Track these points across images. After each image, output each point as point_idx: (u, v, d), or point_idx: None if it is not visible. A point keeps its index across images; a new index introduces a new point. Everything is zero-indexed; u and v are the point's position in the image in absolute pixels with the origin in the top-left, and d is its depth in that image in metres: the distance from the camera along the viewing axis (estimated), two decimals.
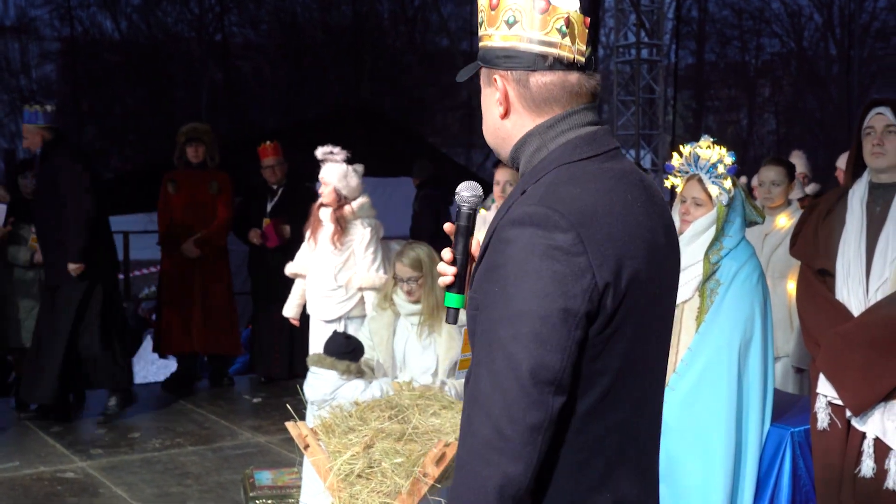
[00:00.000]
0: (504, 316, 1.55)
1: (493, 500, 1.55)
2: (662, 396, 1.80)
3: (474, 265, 1.77)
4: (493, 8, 1.71)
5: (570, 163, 1.68)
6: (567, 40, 1.69)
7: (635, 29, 12.50)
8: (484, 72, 1.77)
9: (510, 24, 1.70)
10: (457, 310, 1.87)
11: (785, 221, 4.98)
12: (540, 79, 1.70)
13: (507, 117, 1.75)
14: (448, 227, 1.88)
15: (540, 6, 1.67)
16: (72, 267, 6.05)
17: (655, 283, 1.67)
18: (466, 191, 1.85)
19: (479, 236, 1.89)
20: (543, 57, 1.69)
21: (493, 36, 1.72)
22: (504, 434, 1.53)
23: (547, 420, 1.55)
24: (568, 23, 1.68)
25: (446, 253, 1.85)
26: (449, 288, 1.86)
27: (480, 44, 1.76)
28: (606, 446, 1.65)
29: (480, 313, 1.61)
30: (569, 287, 1.54)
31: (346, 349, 3.95)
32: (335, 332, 4.24)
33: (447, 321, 1.89)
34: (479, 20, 1.74)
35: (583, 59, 1.71)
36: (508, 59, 1.71)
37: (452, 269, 1.83)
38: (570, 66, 1.70)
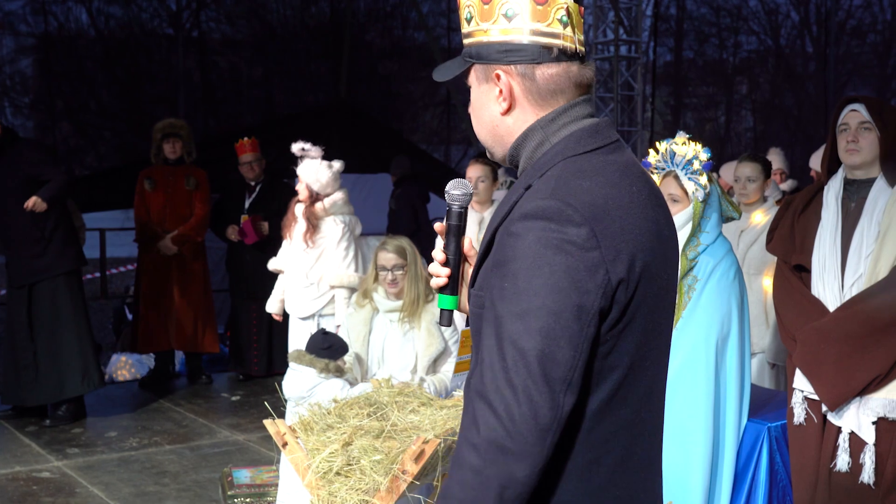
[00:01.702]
0: (515, 311, 1.51)
1: (491, 502, 1.51)
2: (665, 390, 1.76)
3: (474, 263, 1.73)
4: (485, 2, 1.67)
5: (575, 155, 1.65)
6: (569, 30, 1.67)
7: (614, 26, 12.53)
8: (479, 68, 1.71)
9: (509, 18, 1.66)
10: (451, 311, 1.83)
11: (761, 218, 5.01)
12: (546, 71, 1.67)
13: (508, 113, 1.71)
14: (439, 226, 1.82)
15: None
16: (33, 199, 5.81)
17: (663, 275, 1.66)
18: (456, 189, 1.80)
19: (469, 234, 1.87)
20: (548, 49, 1.66)
21: (488, 31, 1.68)
22: (511, 433, 1.49)
23: (557, 420, 1.50)
24: (568, 13, 1.66)
25: (438, 253, 1.80)
26: (442, 290, 1.81)
27: (470, 40, 1.72)
28: (616, 444, 1.62)
29: (487, 310, 1.57)
30: (582, 282, 1.51)
31: (323, 346, 3.94)
32: (317, 330, 4.23)
33: (441, 323, 1.86)
34: (466, 16, 1.70)
35: (583, 49, 1.70)
36: (510, 54, 1.67)
37: (446, 270, 1.80)
38: (572, 56, 1.68)
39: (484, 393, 1.52)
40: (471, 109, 1.77)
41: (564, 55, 1.66)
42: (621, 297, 1.55)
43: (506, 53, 1.67)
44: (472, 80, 1.73)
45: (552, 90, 1.68)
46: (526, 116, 1.70)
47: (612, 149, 1.68)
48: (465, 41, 1.73)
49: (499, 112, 1.71)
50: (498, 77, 1.69)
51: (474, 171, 5.69)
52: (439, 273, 1.80)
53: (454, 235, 1.80)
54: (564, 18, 1.66)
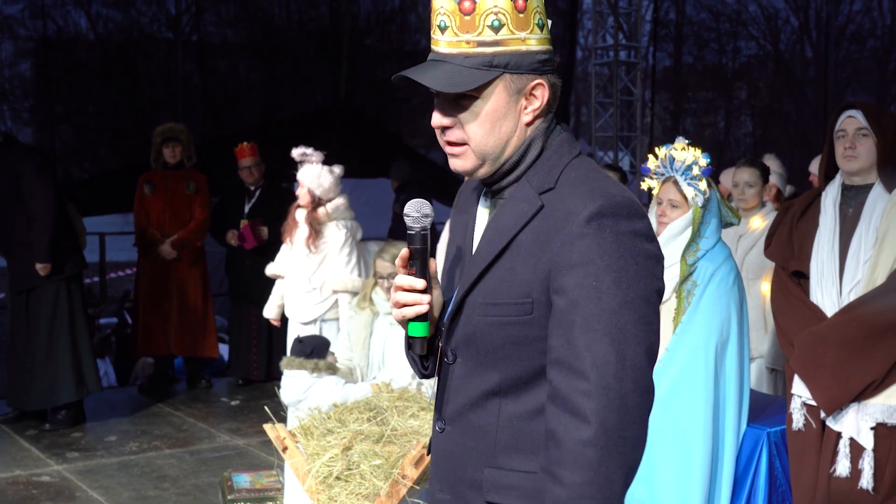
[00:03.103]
0: (615, 305, 1.56)
1: (619, 493, 1.56)
2: None
3: (475, 272, 1.70)
4: (520, 10, 1.63)
5: (574, 159, 1.71)
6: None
7: (613, 31, 12.55)
8: (512, 78, 1.66)
9: (541, 28, 1.67)
10: (423, 339, 1.76)
11: (759, 223, 5.02)
12: (555, 79, 1.72)
13: (532, 123, 1.71)
14: (404, 252, 1.74)
15: (545, 9, 1.70)
16: (39, 266, 5.96)
17: None
18: (415, 211, 1.72)
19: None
20: (554, 58, 1.71)
21: (528, 40, 1.65)
22: (626, 421, 1.55)
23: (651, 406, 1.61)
24: None
25: (416, 282, 1.72)
26: (414, 318, 1.74)
27: (499, 49, 1.64)
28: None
29: (570, 311, 1.57)
30: (656, 270, 1.63)
31: (306, 349, 3.97)
32: (294, 339, 4.26)
33: (415, 352, 1.79)
34: (494, 23, 1.63)
35: None
36: (546, 63, 1.68)
37: (427, 297, 1.73)
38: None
39: (585, 390, 1.54)
40: (471, 120, 1.67)
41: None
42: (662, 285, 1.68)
43: (544, 63, 1.68)
44: (495, 90, 1.66)
45: (557, 97, 1.73)
46: (537, 125, 1.72)
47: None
48: (489, 49, 1.64)
49: (525, 121, 1.70)
50: (536, 87, 1.68)
51: None
52: (420, 301, 1.72)
53: (419, 259, 1.72)
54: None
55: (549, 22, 1.70)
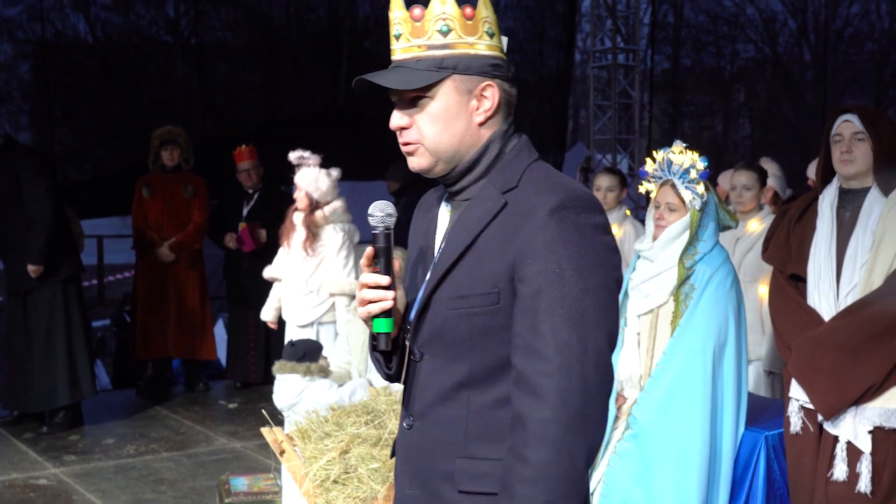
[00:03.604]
0: (577, 291, 1.65)
1: (582, 469, 1.61)
2: None
3: (441, 269, 1.78)
4: (468, 18, 1.77)
5: (535, 161, 1.82)
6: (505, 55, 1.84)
7: (611, 34, 12.55)
8: (460, 79, 1.78)
9: (490, 35, 1.79)
10: (388, 335, 1.83)
11: (756, 226, 5.02)
12: (510, 87, 1.82)
13: (485, 124, 1.81)
14: (369, 251, 1.85)
15: (497, 22, 1.81)
16: (31, 268, 5.96)
17: None
18: (379, 211, 1.84)
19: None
20: (509, 67, 1.82)
21: (475, 44, 1.77)
22: (588, 402, 1.62)
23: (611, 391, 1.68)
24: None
25: (381, 278, 1.81)
26: (379, 313, 1.82)
27: (449, 52, 1.77)
28: None
29: (531, 298, 1.66)
30: (614, 260, 1.71)
31: (298, 352, 3.97)
32: (286, 344, 4.27)
33: (380, 348, 1.84)
34: (442, 28, 1.76)
35: None
36: (497, 68, 1.80)
37: (391, 293, 1.82)
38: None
39: (548, 371, 1.62)
40: (423, 119, 1.79)
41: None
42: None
43: (494, 67, 1.79)
44: (445, 90, 1.78)
45: (512, 104, 1.83)
46: (493, 127, 1.82)
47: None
48: (438, 52, 1.77)
49: (477, 122, 1.80)
50: (486, 89, 1.79)
51: None
52: (384, 297, 1.81)
53: (384, 258, 1.82)
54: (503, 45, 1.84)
55: (505, 39, 1.82)
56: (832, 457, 3.36)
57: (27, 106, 9.75)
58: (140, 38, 9.00)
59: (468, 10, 1.76)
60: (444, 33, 1.76)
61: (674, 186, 3.66)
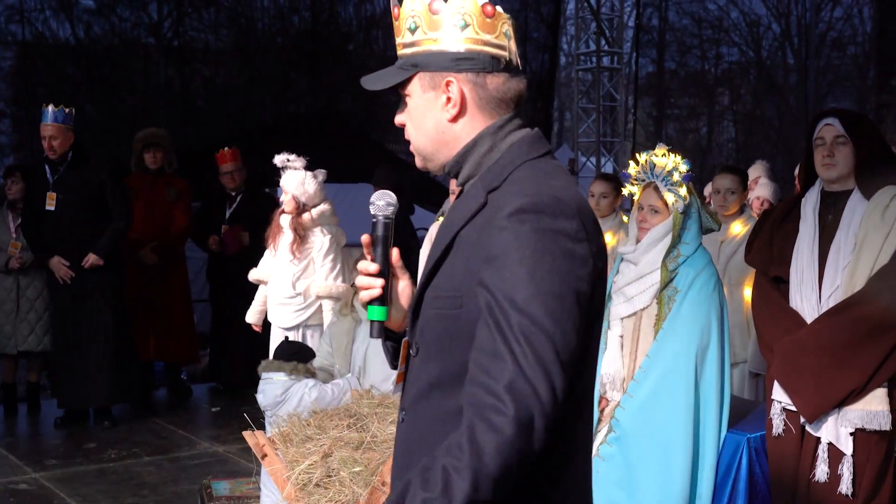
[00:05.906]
0: (524, 297, 1.53)
1: (516, 471, 1.50)
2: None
3: (430, 266, 1.75)
4: (434, 13, 1.72)
5: (533, 159, 1.73)
6: (512, 44, 1.75)
7: (595, 37, 12.57)
8: (425, 76, 1.75)
9: (462, 28, 1.72)
10: (381, 323, 1.84)
11: (740, 229, 5.05)
12: (495, 80, 1.74)
13: (456, 120, 1.76)
14: (365, 238, 1.85)
15: (487, 10, 1.72)
16: (93, 258, 6.17)
17: (605, 277, 1.73)
18: (381, 200, 1.84)
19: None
20: (497, 59, 1.73)
21: (438, 40, 1.73)
22: (539, 411, 1.49)
23: (564, 400, 1.53)
24: (511, 27, 1.75)
25: (370, 265, 1.82)
26: (372, 301, 1.82)
27: (415, 49, 1.75)
28: (567, 433, 1.66)
29: (483, 302, 1.57)
30: (578, 270, 1.58)
31: (289, 353, 3.96)
32: (282, 339, 4.24)
33: (372, 336, 1.86)
34: (411, 25, 1.74)
35: (521, 63, 1.79)
36: (462, 62, 1.73)
37: (380, 282, 1.81)
38: (515, 69, 1.76)
39: (498, 378, 1.51)
40: (407, 118, 1.80)
41: (509, 67, 1.75)
42: (599, 291, 1.64)
43: (458, 62, 1.73)
44: (414, 88, 1.76)
45: (500, 99, 1.75)
46: (475, 123, 1.76)
47: (552, 155, 1.79)
48: (408, 50, 1.76)
49: (446, 119, 1.76)
50: (448, 84, 1.73)
51: None
52: (373, 284, 1.81)
53: (381, 246, 1.82)
54: (508, 32, 1.74)
55: (504, 26, 1.75)
56: (814, 459, 3.37)
57: (8, 109, 9.70)
58: (122, 41, 8.95)
59: (434, 6, 1.72)
60: (413, 31, 1.75)
61: (657, 189, 3.67)
